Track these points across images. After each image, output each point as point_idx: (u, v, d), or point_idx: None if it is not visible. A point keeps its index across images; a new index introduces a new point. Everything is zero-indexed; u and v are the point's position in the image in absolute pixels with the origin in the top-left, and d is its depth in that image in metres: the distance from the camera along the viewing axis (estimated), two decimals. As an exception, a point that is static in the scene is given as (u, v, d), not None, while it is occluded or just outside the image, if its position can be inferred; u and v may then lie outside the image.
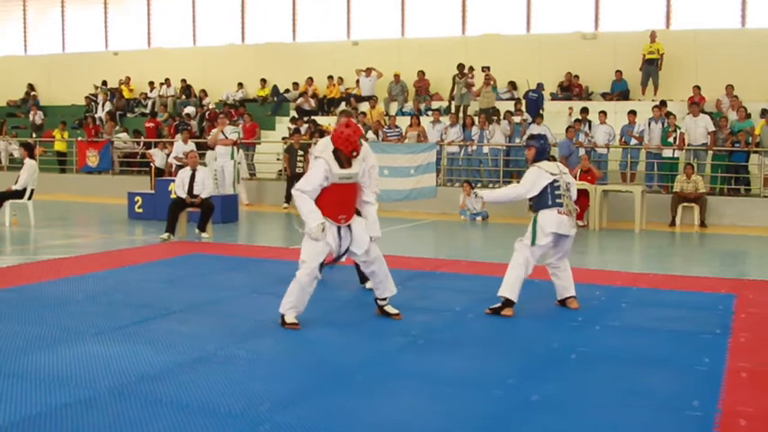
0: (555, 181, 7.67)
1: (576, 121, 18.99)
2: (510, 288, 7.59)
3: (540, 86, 21.15)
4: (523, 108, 20.44)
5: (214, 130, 18.65)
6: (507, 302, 7.58)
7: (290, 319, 6.85)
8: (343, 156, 6.84)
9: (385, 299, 7.39)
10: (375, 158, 9.15)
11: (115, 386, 5.22)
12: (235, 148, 18.07)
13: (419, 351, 6.33)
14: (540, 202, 7.70)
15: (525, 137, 19.05)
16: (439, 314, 7.61)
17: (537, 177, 7.68)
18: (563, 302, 8.01)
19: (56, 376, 5.43)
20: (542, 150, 7.86)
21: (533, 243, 7.65)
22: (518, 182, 19.04)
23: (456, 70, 21.57)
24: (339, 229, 6.89)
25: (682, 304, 8.26)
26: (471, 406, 4.99)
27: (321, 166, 6.78)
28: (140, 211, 16.61)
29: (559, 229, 7.66)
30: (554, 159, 7.95)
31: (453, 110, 21.43)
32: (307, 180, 6.84)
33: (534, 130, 19.02)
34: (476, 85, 21.74)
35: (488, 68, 21.50)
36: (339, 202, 6.89)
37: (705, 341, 6.67)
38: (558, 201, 7.63)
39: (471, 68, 21.69)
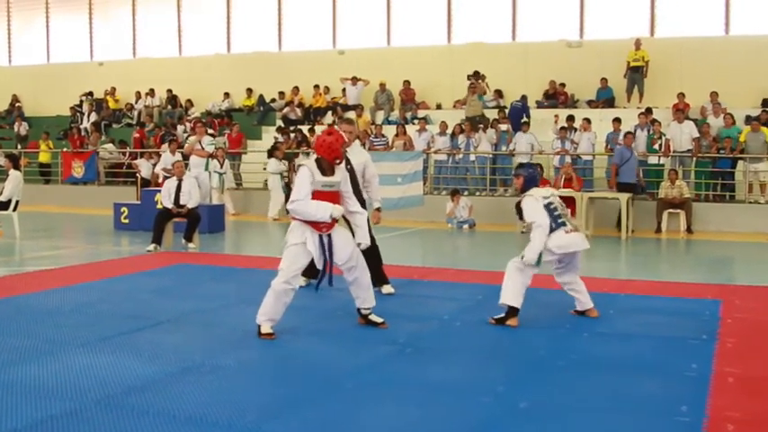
0: (550, 203, 7.66)
1: (562, 128, 19.07)
2: (512, 295, 7.49)
3: (524, 98, 21.21)
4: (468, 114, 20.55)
5: (191, 138, 18.58)
6: (512, 311, 7.49)
7: (265, 329, 6.80)
8: (326, 163, 6.84)
9: (368, 308, 7.37)
10: (374, 168, 9.21)
11: (102, 397, 5.19)
12: (209, 160, 18.01)
13: (407, 359, 6.32)
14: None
15: (512, 152, 19.15)
16: (427, 322, 7.60)
17: (536, 205, 7.65)
18: (582, 313, 7.97)
19: (42, 388, 5.39)
20: (531, 179, 7.91)
21: (538, 263, 7.56)
22: (505, 190, 19.18)
23: (468, 79, 21.68)
24: (320, 237, 6.86)
25: (669, 310, 8.28)
26: (459, 414, 4.98)
27: (304, 174, 6.79)
28: (126, 221, 16.54)
29: (571, 248, 7.67)
30: (546, 183, 8.08)
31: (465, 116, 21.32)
32: (296, 191, 6.83)
33: (520, 138, 19.11)
34: (488, 92, 21.88)
35: (474, 76, 21.57)
36: None
37: (692, 347, 6.68)
38: (560, 221, 7.62)
39: (483, 76, 21.81)
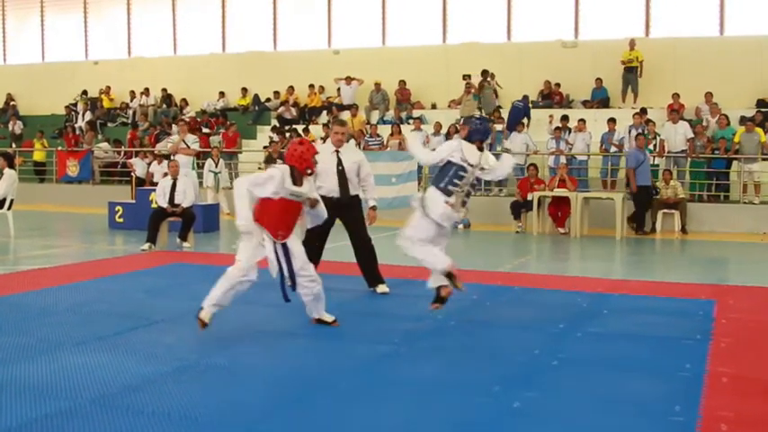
0: (463, 168, 7.22)
1: (557, 128, 19.09)
2: (432, 278, 7.43)
3: (525, 98, 21.26)
4: (504, 116, 20.55)
5: (174, 137, 18.53)
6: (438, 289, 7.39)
7: (205, 314, 6.69)
8: (297, 173, 6.79)
9: (314, 311, 7.23)
10: (369, 167, 9.22)
11: (97, 396, 5.19)
12: (195, 158, 17.95)
13: (402, 359, 6.33)
14: (436, 178, 7.39)
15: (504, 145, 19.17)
16: (421, 322, 7.60)
17: (450, 150, 7.30)
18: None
19: (37, 387, 5.39)
20: (475, 131, 7.43)
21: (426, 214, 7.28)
22: (500, 190, 19.19)
23: (481, 77, 21.79)
24: (274, 244, 6.78)
25: (663, 310, 8.29)
26: (454, 413, 4.99)
27: (274, 175, 6.71)
28: (121, 220, 16.53)
29: (441, 220, 7.30)
30: (482, 150, 7.36)
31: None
32: (255, 180, 6.81)
33: (515, 138, 19.13)
34: (500, 89, 21.96)
35: (469, 77, 21.61)
36: (282, 218, 6.81)
37: (686, 347, 6.70)
38: (449, 188, 7.20)
39: (493, 75, 21.88)
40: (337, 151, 9.02)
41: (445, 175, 7.28)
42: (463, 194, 7.26)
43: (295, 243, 6.95)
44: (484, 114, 20.85)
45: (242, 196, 6.73)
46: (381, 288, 9.03)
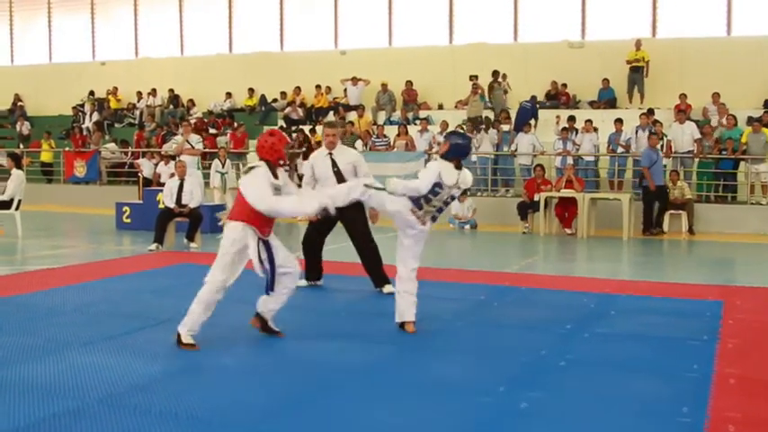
0: (439, 185, 6.97)
1: (564, 129, 19.07)
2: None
3: (533, 98, 21.25)
4: (511, 116, 20.54)
5: (178, 137, 18.55)
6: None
7: (187, 339, 6.50)
8: (272, 166, 6.66)
9: (272, 311, 6.95)
10: (367, 166, 9.19)
11: (104, 396, 5.20)
12: (202, 159, 17.96)
13: (408, 359, 6.34)
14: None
15: (514, 153, 19.15)
16: (427, 322, 7.59)
17: (434, 176, 6.96)
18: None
19: (44, 387, 5.40)
20: (455, 149, 7.11)
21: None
22: (507, 190, 19.18)
23: (491, 77, 21.78)
24: (258, 242, 6.61)
25: (670, 311, 8.28)
26: (460, 414, 4.99)
27: (263, 173, 6.56)
28: (128, 221, 16.56)
29: (393, 215, 7.17)
30: (459, 168, 7.06)
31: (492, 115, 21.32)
32: (261, 190, 6.51)
33: (522, 138, 19.11)
34: (510, 91, 21.94)
35: (476, 77, 21.60)
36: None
37: (693, 347, 6.69)
38: (421, 202, 6.98)
39: (504, 75, 21.88)
40: (330, 153, 8.99)
41: None
42: (434, 210, 7.09)
43: (273, 237, 6.80)
44: (493, 115, 20.84)
45: (277, 202, 6.53)
46: (387, 288, 9.01)
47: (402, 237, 7.23)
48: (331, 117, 22.63)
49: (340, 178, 8.83)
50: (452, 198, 7.22)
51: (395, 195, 6.96)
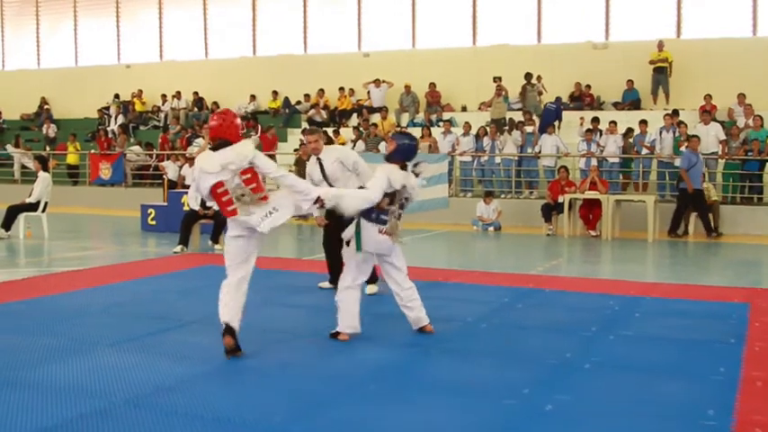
0: (391, 192, 6.80)
1: (588, 130, 19.00)
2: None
3: (558, 99, 21.20)
4: (535, 117, 20.49)
5: (199, 140, 18.59)
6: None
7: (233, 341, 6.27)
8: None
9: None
10: (355, 156, 8.96)
11: (130, 397, 5.24)
12: None
13: (432, 361, 6.34)
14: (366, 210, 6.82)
15: (538, 155, 19.10)
16: (451, 324, 7.60)
17: (383, 182, 6.75)
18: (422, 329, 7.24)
19: (71, 387, 5.46)
20: (403, 150, 6.92)
21: (358, 249, 6.86)
22: (531, 192, 19.14)
23: (524, 80, 21.78)
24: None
25: (695, 313, 8.23)
26: (484, 416, 4.99)
27: (250, 149, 6.35)
28: (153, 223, 16.66)
29: (378, 250, 6.94)
30: (405, 169, 6.87)
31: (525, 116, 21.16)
32: (272, 163, 6.47)
33: (546, 140, 19.06)
34: (545, 92, 21.88)
35: (500, 79, 21.57)
36: None
37: (719, 350, 6.64)
38: (383, 217, 6.82)
39: (539, 77, 21.83)
40: (318, 158, 8.90)
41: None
42: (395, 216, 6.89)
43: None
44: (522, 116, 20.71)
45: (292, 178, 6.54)
46: (370, 289, 8.91)
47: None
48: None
49: (327, 180, 8.68)
50: (407, 200, 7.03)
51: (352, 213, 6.70)
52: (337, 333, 6.93)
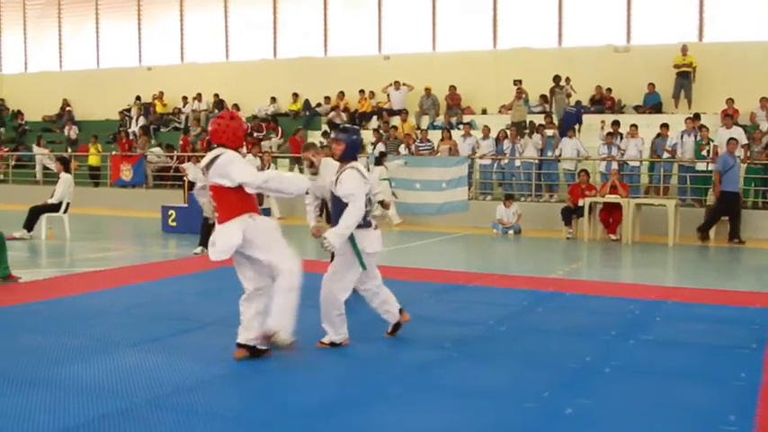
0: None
1: (608, 134, 18.93)
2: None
3: (578, 103, 21.14)
4: (555, 121, 20.43)
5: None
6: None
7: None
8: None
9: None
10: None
11: (151, 397, 5.28)
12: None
13: (452, 364, 6.34)
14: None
15: (558, 158, 19.03)
16: (472, 327, 7.60)
17: (359, 182, 6.61)
18: (395, 329, 7.18)
19: (93, 387, 5.50)
20: (353, 146, 6.84)
21: (363, 267, 6.70)
22: (551, 196, 19.03)
23: (552, 82, 21.73)
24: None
25: (716, 319, 8.19)
26: (505, 419, 4.99)
27: (239, 156, 6.36)
28: (174, 224, 16.75)
29: (381, 246, 6.91)
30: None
31: (555, 120, 21.14)
32: (250, 170, 6.34)
33: (566, 144, 19.01)
34: (573, 95, 21.87)
35: (520, 82, 21.53)
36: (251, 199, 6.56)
37: (741, 356, 6.61)
38: (368, 218, 6.75)
39: (568, 79, 21.83)
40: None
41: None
42: (371, 214, 6.87)
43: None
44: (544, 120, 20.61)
45: (278, 178, 6.46)
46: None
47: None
48: (375, 120, 22.50)
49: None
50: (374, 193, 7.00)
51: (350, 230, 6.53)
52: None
